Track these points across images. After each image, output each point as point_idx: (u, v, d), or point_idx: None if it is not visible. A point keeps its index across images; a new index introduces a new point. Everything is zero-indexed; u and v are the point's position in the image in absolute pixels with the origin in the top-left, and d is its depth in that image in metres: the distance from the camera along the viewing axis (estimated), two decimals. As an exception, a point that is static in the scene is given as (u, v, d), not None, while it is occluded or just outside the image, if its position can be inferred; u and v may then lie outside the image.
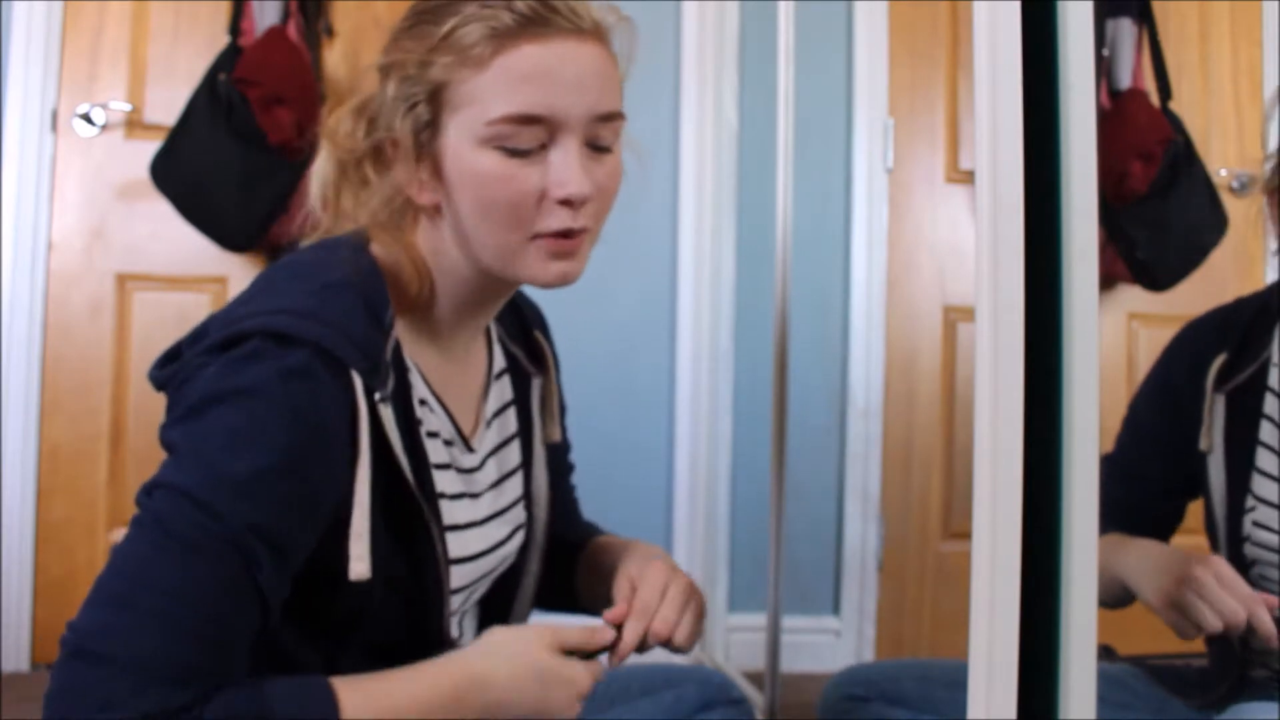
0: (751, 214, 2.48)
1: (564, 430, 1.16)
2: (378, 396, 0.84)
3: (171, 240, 2.36)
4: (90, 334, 2.36)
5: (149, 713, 0.74)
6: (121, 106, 2.38)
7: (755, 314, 2.37)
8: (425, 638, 0.92)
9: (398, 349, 0.90)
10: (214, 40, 2.32)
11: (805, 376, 2.45)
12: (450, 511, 0.94)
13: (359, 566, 0.83)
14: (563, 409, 1.15)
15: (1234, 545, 1.18)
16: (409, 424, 0.90)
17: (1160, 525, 1.27)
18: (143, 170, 2.27)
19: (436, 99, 0.87)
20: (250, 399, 0.79)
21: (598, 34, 0.88)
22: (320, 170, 0.95)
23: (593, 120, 0.87)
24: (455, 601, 0.96)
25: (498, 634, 0.89)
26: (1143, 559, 1.16)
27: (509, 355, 1.07)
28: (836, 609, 2.56)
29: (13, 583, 2.32)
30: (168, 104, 2.33)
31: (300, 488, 0.81)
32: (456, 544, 0.94)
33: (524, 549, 1.08)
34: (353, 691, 0.80)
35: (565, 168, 0.86)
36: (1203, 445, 1.19)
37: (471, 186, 0.87)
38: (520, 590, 1.08)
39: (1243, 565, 1.18)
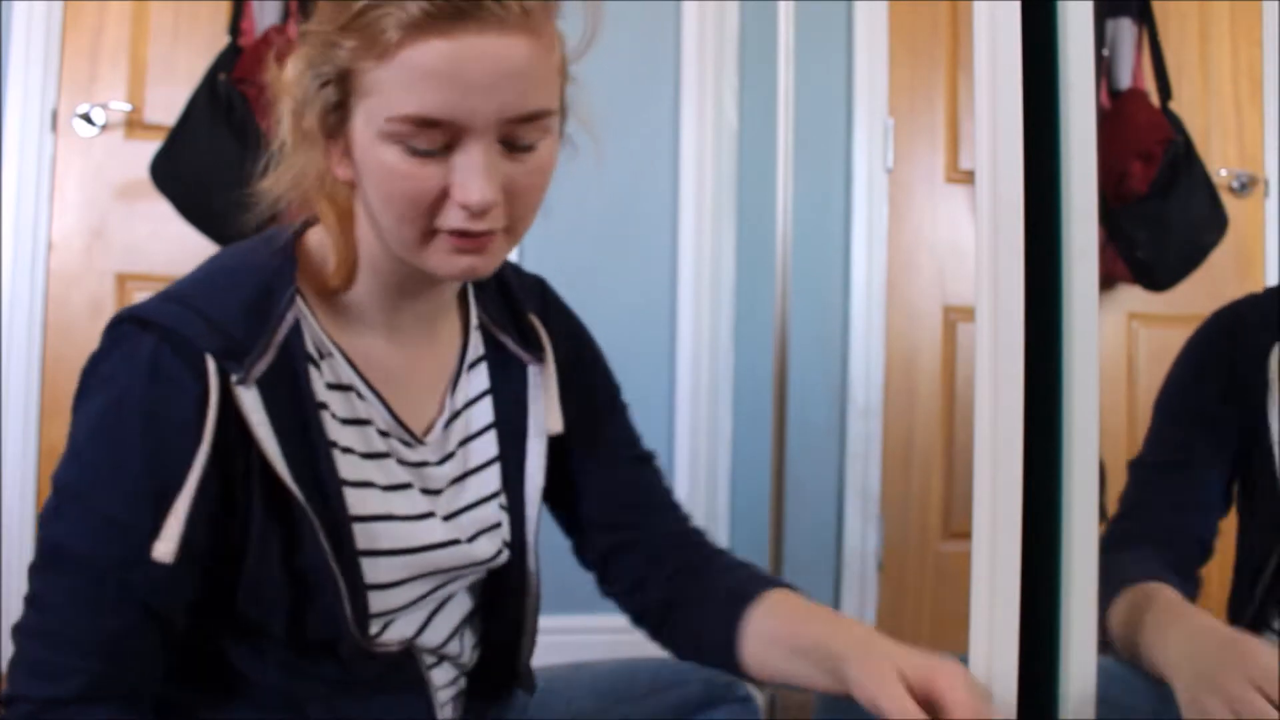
0: (751, 214, 2.48)
1: (623, 424, 1.13)
2: (234, 379, 0.83)
3: (171, 240, 2.36)
4: (90, 334, 2.33)
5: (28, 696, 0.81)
6: (121, 106, 2.38)
7: (755, 314, 2.37)
8: (334, 630, 0.88)
9: (297, 334, 0.88)
10: (214, 40, 2.32)
11: (805, 376, 2.45)
12: (365, 501, 0.90)
13: (163, 547, 0.81)
14: (617, 396, 1.14)
15: None
16: (303, 408, 0.87)
17: (1209, 523, 1.21)
18: (143, 170, 2.26)
19: (345, 82, 0.82)
20: (103, 388, 0.84)
21: (525, 23, 0.79)
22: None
23: (506, 122, 0.80)
24: (386, 599, 0.92)
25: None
26: (1182, 645, 1.00)
27: (492, 343, 1.03)
28: (836, 609, 2.56)
29: (13, 583, 2.32)
30: (168, 104, 2.32)
31: (145, 476, 0.82)
32: (373, 535, 0.90)
33: (513, 549, 1.02)
34: None
35: (467, 172, 0.80)
36: (1275, 432, 1.12)
37: (373, 177, 0.83)
38: (526, 595, 1.04)
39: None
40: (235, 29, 2.30)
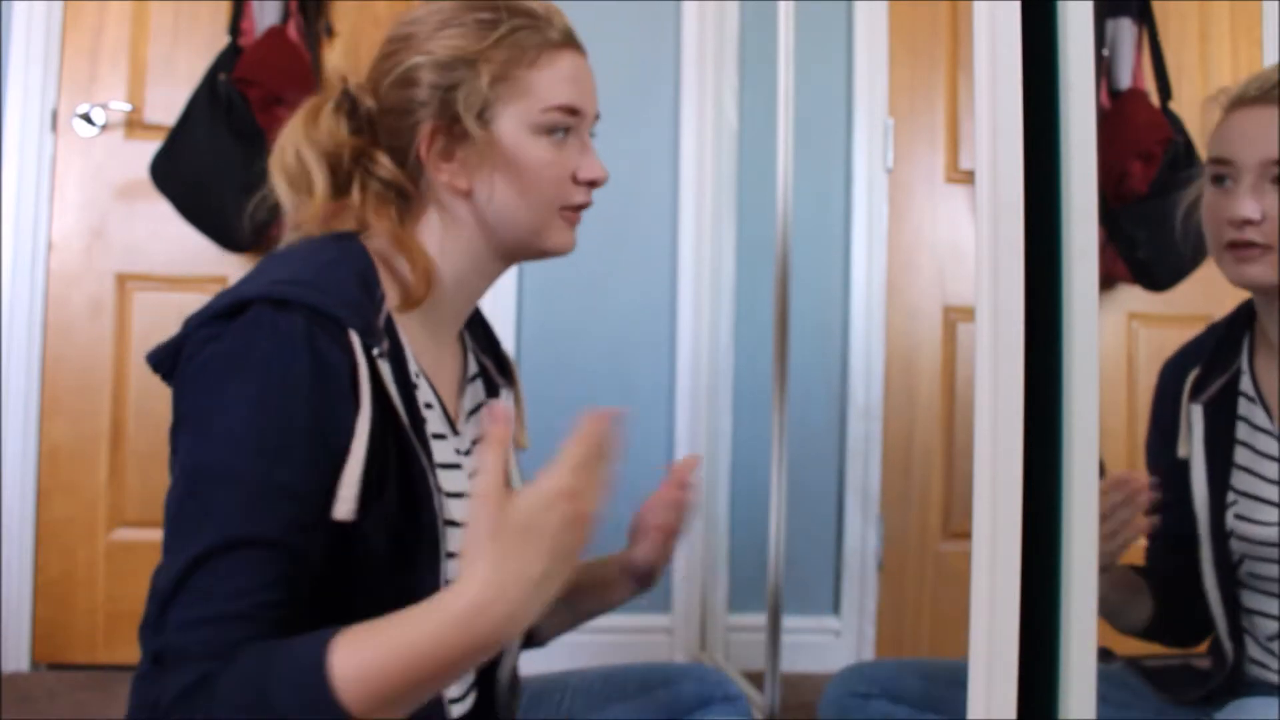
0: (751, 214, 2.48)
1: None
2: (375, 352, 0.89)
3: (171, 240, 2.37)
4: (90, 334, 2.36)
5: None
6: (121, 106, 2.38)
7: (755, 314, 2.37)
8: (421, 595, 0.89)
9: (390, 322, 0.95)
10: (214, 40, 2.32)
11: (805, 376, 2.45)
12: (444, 478, 0.96)
13: (344, 507, 0.84)
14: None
15: (1219, 543, 1.20)
16: (406, 385, 0.94)
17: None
18: (143, 170, 2.27)
19: (493, 88, 0.98)
20: (258, 367, 0.84)
21: (582, 50, 1.05)
22: (293, 167, 1.00)
23: (594, 118, 1.05)
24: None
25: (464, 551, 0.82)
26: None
27: (480, 364, 1.12)
28: (836, 609, 2.56)
29: (13, 583, 2.32)
30: (168, 104, 2.33)
31: (316, 444, 0.84)
32: (452, 508, 0.96)
33: None
34: (351, 647, 0.77)
35: (590, 156, 1.03)
36: (1181, 452, 1.23)
37: (524, 166, 0.99)
38: None
39: (1229, 564, 1.19)
40: (235, 29, 2.30)
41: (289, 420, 0.84)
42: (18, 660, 2.33)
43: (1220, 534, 1.19)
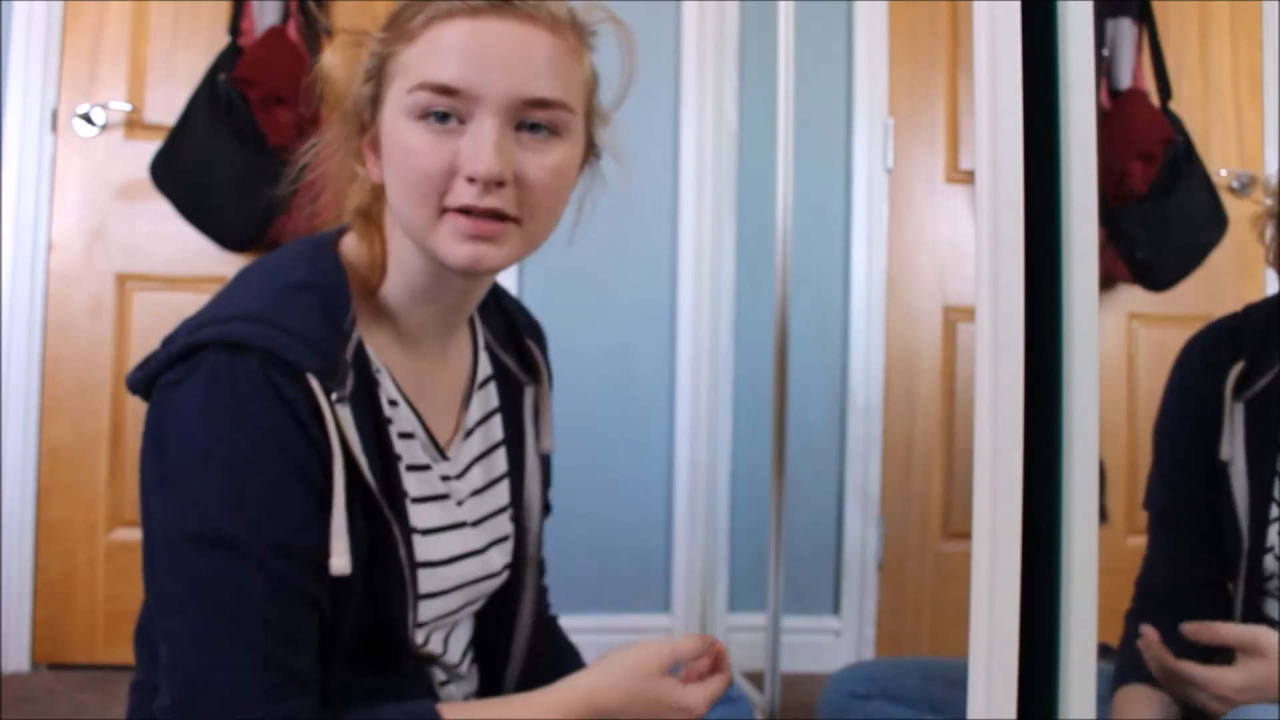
0: (751, 214, 2.48)
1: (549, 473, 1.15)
2: (334, 397, 0.84)
3: (171, 240, 2.37)
4: (90, 334, 2.36)
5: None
6: (121, 106, 2.38)
7: (755, 314, 2.37)
8: (391, 642, 0.90)
9: (361, 350, 0.90)
10: (214, 40, 2.32)
11: (805, 376, 2.45)
12: (420, 514, 0.93)
13: (339, 562, 0.82)
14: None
15: (1255, 557, 1.16)
16: (377, 423, 0.90)
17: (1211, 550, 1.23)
18: (143, 170, 2.27)
19: (379, 74, 0.88)
20: (219, 423, 0.80)
21: (554, 24, 0.86)
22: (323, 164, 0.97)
23: (520, 102, 0.84)
24: (432, 608, 0.94)
25: (615, 656, 0.90)
26: None
27: (497, 363, 1.06)
28: (836, 609, 2.56)
29: (13, 583, 2.32)
30: (168, 104, 2.33)
31: (304, 499, 0.82)
32: (427, 547, 0.93)
33: (516, 561, 1.05)
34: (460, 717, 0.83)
35: (475, 141, 0.83)
36: (1224, 454, 1.17)
37: (395, 158, 0.87)
38: (520, 606, 1.06)
39: (1261, 578, 1.16)
40: (235, 29, 2.30)
41: (267, 477, 0.80)
42: (18, 660, 2.33)
43: (1259, 550, 1.15)
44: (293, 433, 0.81)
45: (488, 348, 1.06)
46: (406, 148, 0.85)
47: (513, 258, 0.88)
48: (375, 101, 0.89)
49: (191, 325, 0.85)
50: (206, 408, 0.80)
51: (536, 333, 1.14)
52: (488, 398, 1.05)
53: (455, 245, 0.85)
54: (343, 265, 0.91)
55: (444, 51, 0.84)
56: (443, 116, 0.84)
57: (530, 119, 0.85)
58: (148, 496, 0.83)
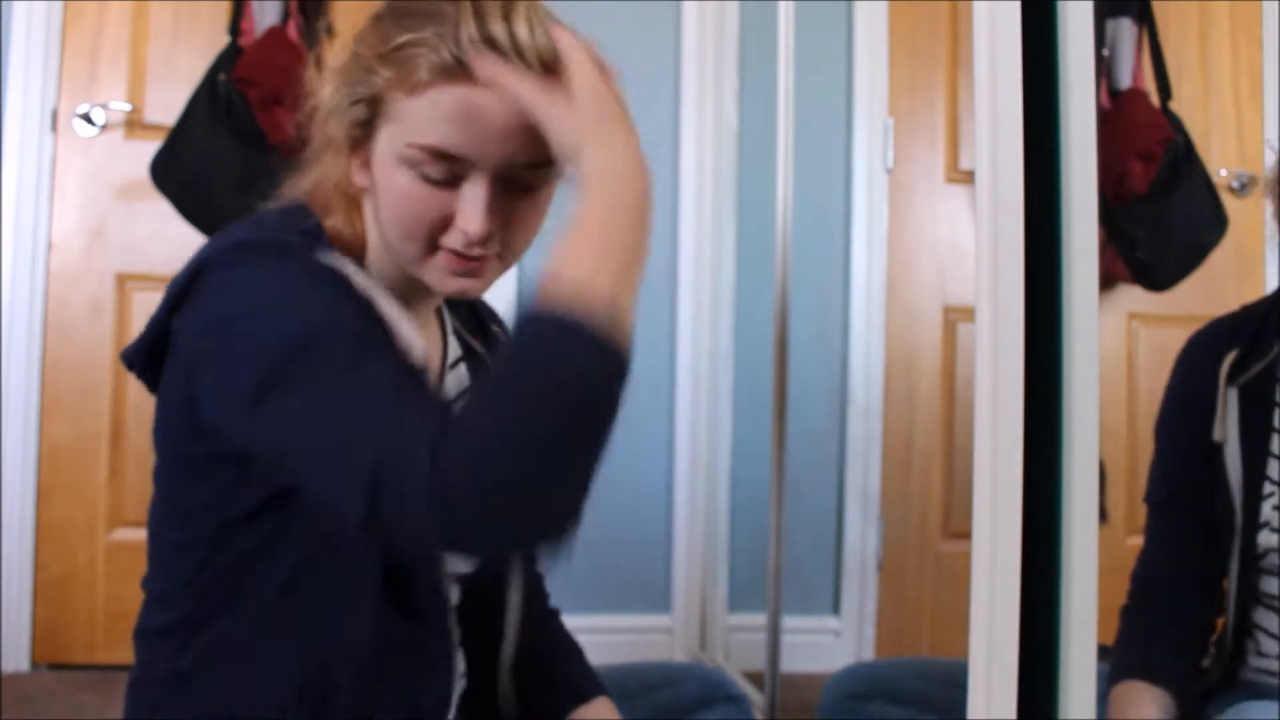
0: (751, 214, 2.48)
1: None
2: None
3: (171, 240, 2.36)
4: (90, 334, 2.36)
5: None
6: (121, 106, 2.38)
7: (755, 314, 2.37)
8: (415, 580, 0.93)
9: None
10: (214, 40, 2.32)
11: (805, 376, 2.45)
12: None
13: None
14: None
15: (1249, 535, 1.18)
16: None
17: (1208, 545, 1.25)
18: (143, 170, 2.26)
19: (375, 105, 0.89)
20: (267, 279, 0.84)
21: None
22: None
23: (513, 166, 0.87)
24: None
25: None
26: None
27: (466, 346, 1.07)
28: (836, 609, 2.56)
29: (13, 583, 2.32)
30: (168, 104, 2.32)
31: (354, 306, 0.84)
32: None
33: None
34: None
35: (471, 205, 0.87)
36: (1216, 435, 1.20)
37: (387, 195, 0.89)
38: (509, 581, 1.05)
39: (1255, 555, 1.18)
40: (235, 29, 2.30)
41: (330, 323, 0.81)
42: (18, 660, 2.33)
43: (1253, 526, 1.17)
44: (335, 281, 0.85)
45: (455, 332, 1.07)
46: (402, 193, 0.88)
47: (494, 282, 0.93)
48: (368, 127, 0.91)
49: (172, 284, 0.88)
50: (260, 276, 0.84)
51: (497, 318, 1.15)
52: (460, 378, 1.06)
53: (445, 279, 0.90)
54: (324, 230, 0.94)
55: (446, 119, 0.85)
56: (436, 175, 0.87)
57: (521, 180, 0.89)
58: (167, 416, 0.89)
